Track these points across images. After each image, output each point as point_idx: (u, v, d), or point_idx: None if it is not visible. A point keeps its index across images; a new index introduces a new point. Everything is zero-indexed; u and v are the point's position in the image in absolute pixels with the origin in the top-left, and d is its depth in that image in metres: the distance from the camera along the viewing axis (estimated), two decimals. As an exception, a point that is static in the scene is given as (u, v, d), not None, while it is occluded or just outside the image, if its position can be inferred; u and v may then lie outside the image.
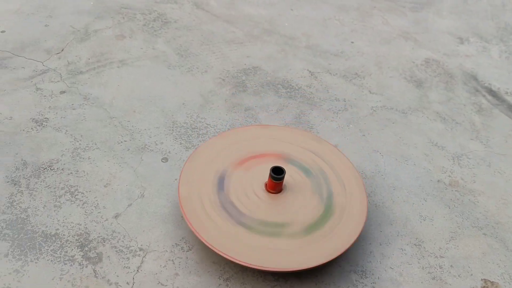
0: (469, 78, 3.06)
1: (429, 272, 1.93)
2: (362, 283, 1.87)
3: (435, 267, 1.95)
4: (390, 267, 1.93)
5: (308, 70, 2.93)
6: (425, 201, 2.22)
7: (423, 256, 1.99)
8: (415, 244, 2.03)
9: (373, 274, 1.90)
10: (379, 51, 3.18)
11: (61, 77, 2.65)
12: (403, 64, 3.09)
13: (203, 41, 3.07)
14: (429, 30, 3.52)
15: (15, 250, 1.84)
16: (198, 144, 2.34)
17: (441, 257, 2.00)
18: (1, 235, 1.88)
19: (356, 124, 2.58)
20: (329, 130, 2.52)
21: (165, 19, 3.23)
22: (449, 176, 2.36)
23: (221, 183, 2.03)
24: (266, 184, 2.03)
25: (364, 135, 2.52)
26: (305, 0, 3.69)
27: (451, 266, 1.97)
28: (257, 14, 3.40)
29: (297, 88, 2.78)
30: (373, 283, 1.87)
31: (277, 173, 1.93)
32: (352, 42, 3.24)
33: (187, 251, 1.91)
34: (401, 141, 2.51)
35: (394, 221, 2.11)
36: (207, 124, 2.46)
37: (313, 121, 2.56)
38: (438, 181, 2.32)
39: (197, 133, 2.40)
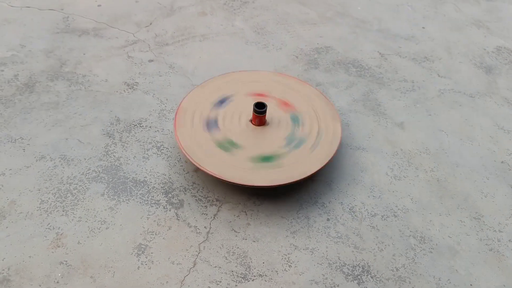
0: (542, 68, 3.05)
1: (486, 244, 2.02)
2: (420, 247, 1.99)
3: (493, 240, 2.04)
4: (449, 236, 2.04)
5: (378, 52, 3.03)
6: (487, 179, 2.29)
7: (482, 229, 2.07)
8: (474, 218, 2.12)
9: (431, 240, 2.01)
10: (449, 37, 3.23)
11: (149, 47, 2.92)
12: (474, 51, 3.12)
13: (278, 21, 3.24)
14: (502, 19, 3.51)
15: (110, 191, 2.11)
16: (271, 113, 2.53)
17: (500, 231, 2.07)
18: (98, 178, 2.16)
19: (423, 104, 2.67)
20: (396, 108, 2.63)
21: (243, -1, 3.44)
22: (514, 158, 2.41)
23: (220, 103, 2.38)
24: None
25: (430, 115, 2.61)
26: (378, -14, 3.77)
27: (509, 240, 2.04)
28: (331, -2, 3.53)
29: (366, 68, 2.90)
30: (431, 248, 1.99)
31: (260, 107, 2.20)
32: (423, 28, 3.30)
33: (258, 205, 2.10)
34: (467, 122, 2.58)
35: (455, 195, 2.21)
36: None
37: (380, 99, 2.68)
38: (502, 162, 2.38)
39: (271, 103, 2.59)
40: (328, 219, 2.06)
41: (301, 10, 3.37)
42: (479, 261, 1.95)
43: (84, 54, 2.82)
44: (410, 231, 2.04)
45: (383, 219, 2.08)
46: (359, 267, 1.90)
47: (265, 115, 2.25)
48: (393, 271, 1.90)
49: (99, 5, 3.24)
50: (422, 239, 2.02)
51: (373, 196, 2.17)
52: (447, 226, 2.08)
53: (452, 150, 2.42)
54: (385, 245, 1.99)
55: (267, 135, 2.25)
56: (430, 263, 1.93)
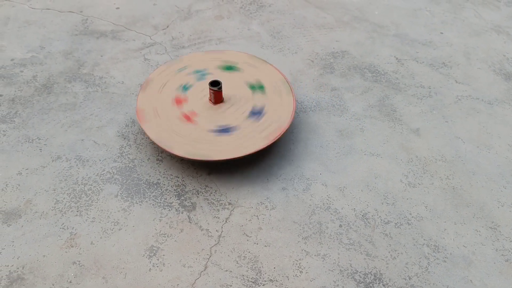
0: None
1: (502, 255, 1.98)
2: (434, 256, 1.96)
3: (509, 251, 2.00)
4: (463, 245, 2.01)
5: (395, 57, 3.01)
6: (505, 188, 2.25)
7: (498, 239, 2.04)
8: (490, 227, 2.08)
9: (445, 249, 1.99)
10: (468, 43, 3.18)
11: (165, 50, 2.94)
12: (493, 57, 3.07)
13: (295, 25, 3.24)
14: (524, 25, 3.45)
15: (124, 193, 2.13)
16: (285, 117, 2.53)
17: (517, 242, 2.04)
18: (113, 179, 2.18)
19: (439, 110, 2.64)
20: (412, 114, 2.60)
21: (260, 3, 3.44)
22: (532, 167, 2.36)
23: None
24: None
25: (447, 122, 2.57)
26: (396, -10, 3.74)
27: (526, 251, 2.00)
28: (348, 2, 3.51)
29: (383, 73, 2.87)
30: (445, 257, 1.96)
31: (215, 85, 2.32)
32: (442, 33, 3.27)
33: (270, 210, 2.10)
34: (484, 130, 2.54)
35: (471, 203, 2.17)
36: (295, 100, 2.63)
37: (396, 104, 2.66)
38: (520, 171, 2.34)
39: (285, 108, 2.59)
40: (340, 226, 2.05)
41: (318, 14, 3.36)
42: (494, 272, 1.92)
43: (101, 56, 2.86)
44: (424, 240, 2.02)
45: (396, 226, 2.06)
46: (371, 274, 1.88)
47: (221, 92, 2.36)
48: (405, 279, 1.87)
49: (117, 8, 3.28)
50: (436, 248, 1.99)
51: (387, 203, 2.15)
52: (462, 235, 2.05)
53: (469, 158, 2.38)
54: (398, 253, 1.96)
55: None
56: (444, 273, 1.91)
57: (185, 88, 2.47)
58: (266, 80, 2.54)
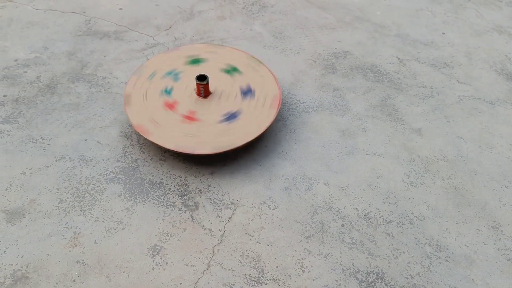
0: None
1: (504, 254, 1.99)
2: (436, 255, 1.97)
3: (511, 250, 2.00)
4: (465, 245, 2.01)
5: (397, 57, 3.01)
6: (506, 188, 2.25)
7: (500, 239, 2.04)
8: (492, 227, 2.09)
9: (447, 249, 1.99)
10: (470, 43, 3.19)
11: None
12: (495, 57, 3.07)
13: (297, 25, 3.25)
14: (526, 26, 3.45)
15: (127, 192, 2.14)
16: (287, 118, 2.53)
17: (519, 241, 2.04)
18: (116, 179, 2.19)
19: (441, 110, 2.65)
20: (414, 114, 2.60)
21: (262, 3, 3.45)
22: (534, 167, 2.37)
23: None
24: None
25: (449, 122, 2.58)
26: (398, -9, 3.75)
27: (528, 250, 2.00)
28: (350, 2, 3.52)
29: (385, 73, 2.88)
30: (447, 257, 1.96)
31: (201, 79, 2.36)
32: (443, 33, 3.27)
33: (273, 209, 2.11)
34: (486, 130, 2.55)
35: (473, 203, 2.18)
36: (297, 100, 2.64)
37: (398, 104, 2.66)
38: (522, 170, 2.34)
39: (287, 108, 2.59)
40: (342, 225, 2.06)
41: (320, 14, 3.37)
42: (496, 271, 1.93)
43: (104, 56, 2.87)
44: (426, 239, 2.02)
45: (398, 226, 2.07)
46: (373, 274, 1.89)
47: (207, 85, 2.40)
48: (407, 279, 1.88)
49: (120, 9, 3.29)
50: (438, 247, 2.00)
51: (389, 203, 2.15)
52: (464, 234, 2.05)
53: (471, 158, 2.39)
54: (400, 252, 1.97)
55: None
56: (446, 272, 1.91)
57: (167, 91, 2.47)
58: (236, 62, 2.63)
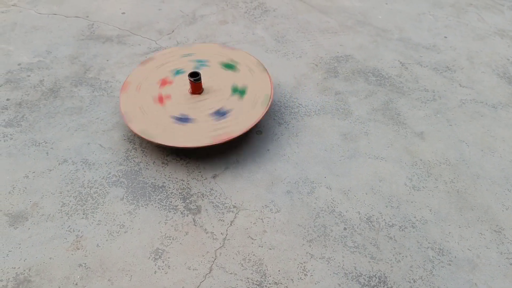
0: None
1: (507, 258, 1.98)
2: (439, 259, 1.96)
3: (514, 254, 2.00)
4: (468, 249, 2.01)
5: (398, 61, 3.02)
6: (509, 191, 2.25)
7: (503, 243, 2.04)
8: (495, 230, 2.08)
9: (450, 253, 1.99)
10: (472, 47, 3.19)
11: (171, 54, 2.96)
12: (497, 61, 3.08)
13: (299, 29, 3.26)
14: (528, 29, 3.46)
15: (129, 196, 2.14)
16: (290, 121, 2.54)
17: (521, 245, 2.03)
18: (118, 182, 2.20)
19: (443, 114, 2.65)
20: (416, 118, 2.61)
21: (265, 8, 3.46)
22: (537, 171, 2.36)
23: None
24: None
25: (451, 125, 2.58)
26: (399, -5, 3.76)
27: (531, 254, 2.00)
28: (352, 6, 3.53)
29: (387, 77, 2.88)
30: (450, 261, 1.96)
31: (193, 76, 2.42)
32: (445, 37, 3.28)
33: (275, 213, 2.11)
34: (488, 133, 2.54)
35: (475, 207, 2.17)
36: (299, 104, 2.65)
37: (400, 108, 2.66)
38: (525, 174, 2.34)
39: (289, 111, 2.60)
40: (345, 228, 2.05)
41: (321, 19, 3.38)
42: (499, 275, 1.92)
43: (107, 60, 2.88)
44: (429, 243, 2.02)
45: (401, 229, 2.06)
46: (376, 277, 1.89)
47: (199, 84, 2.44)
48: (410, 282, 1.88)
49: (123, 13, 3.31)
50: (441, 251, 1.99)
51: (391, 206, 2.15)
52: (466, 238, 2.05)
53: (473, 161, 2.39)
54: (403, 256, 1.97)
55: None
56: (449, 276, 1.91)
57: (177, 72, 2.59)
58: (252, 88, 2.56)
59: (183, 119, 2.34)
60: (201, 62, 2.65)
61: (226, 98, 2.46)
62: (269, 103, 2.41)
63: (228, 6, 3.45)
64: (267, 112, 2.41)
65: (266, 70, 2.62)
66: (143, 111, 2.36)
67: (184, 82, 2.52)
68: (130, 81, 2.50)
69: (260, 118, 2.34)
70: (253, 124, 2.31)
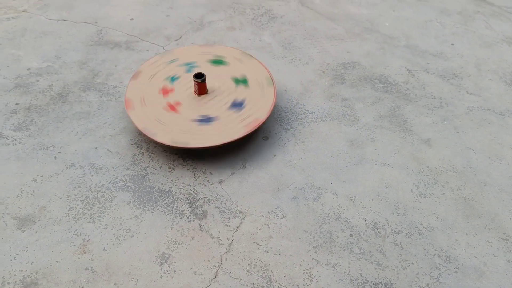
0: None
1: (515, 266, 1.97)
2: (445, 267, 1.95)
3: (521, 262, 1.98)
4: (475, 256, 2.00)
5: (405, 67, 3.02)
6: (517, 199, 2.24)
7: (510, 250, 2.02)
8: (502, 238, 2.07)
9: (457, 260, 1.98)
10: (479, 54, 3.19)
11: (178, 60, 2.98)
12: (504, 68, 3.07)
13: (306, 36, 3.27)
14: (536, 37, 3.45)
15: (136, 200, 2.15)
16: (296, 127, 2.54)
17: (529, 253, 2.02)
18: (125, 186, 2.21)
19: (450, 121, 2.64)
20: (423, 125, 2.60)
21: (272, 14, 3.48)
22: (545, 179, 2.35)
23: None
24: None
25: (458, 132, 2.57)
26: (407, 2, 3.76)
27: (538, 263, 1.98)
28: (359, 13, 3.54)
29: (393, 83, 2.89)
30: (456, 268, 1.95)
31: (199, 77, 2.45)
32: (452, 44, 3.27)
33: (281, 218, 2.11)
34: (496, 141, 2.53)
35: (483, 214, 2.16)
36: (306, 110, 2.65)
37: (407, 115, 2.66)
38: (532, 182, 2.32)
39: (296, 117, 2.61)
40: (351, 235, 2.05)
41: (329, 25, 3.39)
42: (506, 283, 1.91)
43: (115, 66, 2.90)
44: (435, 250, 2.01)
45: (407, 236, 2.06)
46: (382, 284, 1.88)
47: (205, 84, 2.46)
48: (416, 290, 1.87)
49: (131, 19, 3.34)
50: (447, 259, 1.98)
51: (398, 213, 2.15)
52: (473, 246, 2.04)
53: (480, 169, 2.38)
54: (409, 263, 1.96)
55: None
56: (455, 284, 1.90)
57: (173, 79, 2.60)
58: (251, 75, 2.66)
59: (206, 120, 2.37)
60: (190, 65, 2.69)
61: (233, 90, 2.53)
62: (274, 82, 2.54)
63: (235, 13, 3.47)
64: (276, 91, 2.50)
65: (253, 57, 2.72)
66: (161, 122, 2.34)
67: (185, 87, 2.54)
68: (131, 97, 2.48)
69: (275, 97, 2.46)
70: (273, 104, 2.44)
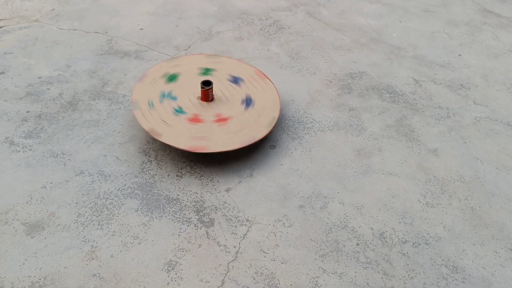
0: None
1: (523, 277, 1.96)
2: (453, 277, 1.94)
3: (529, 273, 1.97)
4: (483, 267, 1.99)
5: (412, 78, 3.03)
6: (525, 210, 2.23)
7: (518, 261, 2.02)
8: (510, 249, 2.06)
9: (464, 270, 1.97)
10: (486, 65, 3.19)
11: (187, 69, 3.02)
12: (511, 79, 3.07)
13: (313, 46, 3.29)
14: (543, 48, 3.45)
15: (144, 207, 2.17)
16: (303, 136, 2.56)
17: (537, 264, 2.01)
18: (133, 194, 2.23)
19: (457, 131, 2.64)
20: (430, 135, 2.61)
21: (279, 25, 3.51)
22: (553, 189, 2.34)
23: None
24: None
25: (465, 142, 2.57)
26: (414, 13, 3.78)
27: (547, 274, 1.97)
28: (366, 24, 3.57)
29: (400, 94, 2.90)
30: (464, 279, 1.94)
31: (206, 84, 2.54)
32: (460, 55, 3.28)
33: (288, 227, 2.11)
34: (503, 151, 2.53)
35: (490, 225, 2.16)
36: (313, 120, 2.67)
37: (414, 125, 2.67)
38: (540, 193, 2.32)
39: (303, 127, 2.62)
40: (357, 244, 2.05)
41: (336, 36, 3.42)
42: (514, 294, 1.90)
43: (125, 75, 2.94)
44: (442, 260, 2.01)
45: (414, 246, 2.05)
46: (388, 294, 1.88)
47: (211, 90, 2.57)
48: (423, 299, 1.86)
49: (141, 29, 3.38)
50: (455, 269, 1.97)
51: (405, 223, 2.15)
52: (481, 256, 2.03)
53: (488, 179, 2.37)
54: (416, 273, 1.96)
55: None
56: (462, 294, 1.89)
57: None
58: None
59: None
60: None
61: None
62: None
63: (244, 23, 3.51)
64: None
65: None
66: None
67: (189, 96, 2.62)
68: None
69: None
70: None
